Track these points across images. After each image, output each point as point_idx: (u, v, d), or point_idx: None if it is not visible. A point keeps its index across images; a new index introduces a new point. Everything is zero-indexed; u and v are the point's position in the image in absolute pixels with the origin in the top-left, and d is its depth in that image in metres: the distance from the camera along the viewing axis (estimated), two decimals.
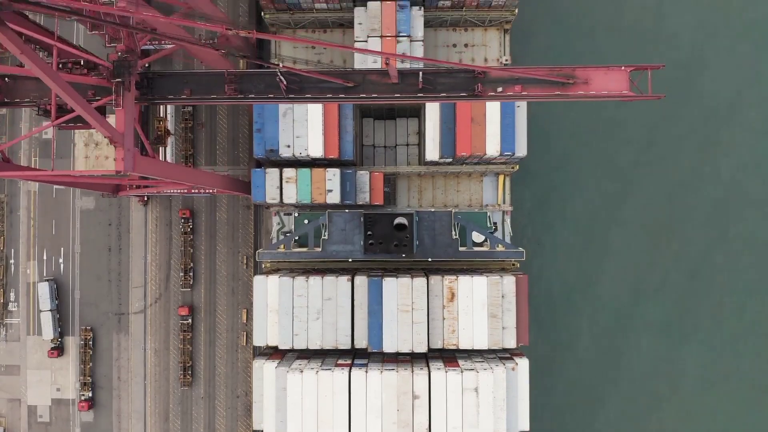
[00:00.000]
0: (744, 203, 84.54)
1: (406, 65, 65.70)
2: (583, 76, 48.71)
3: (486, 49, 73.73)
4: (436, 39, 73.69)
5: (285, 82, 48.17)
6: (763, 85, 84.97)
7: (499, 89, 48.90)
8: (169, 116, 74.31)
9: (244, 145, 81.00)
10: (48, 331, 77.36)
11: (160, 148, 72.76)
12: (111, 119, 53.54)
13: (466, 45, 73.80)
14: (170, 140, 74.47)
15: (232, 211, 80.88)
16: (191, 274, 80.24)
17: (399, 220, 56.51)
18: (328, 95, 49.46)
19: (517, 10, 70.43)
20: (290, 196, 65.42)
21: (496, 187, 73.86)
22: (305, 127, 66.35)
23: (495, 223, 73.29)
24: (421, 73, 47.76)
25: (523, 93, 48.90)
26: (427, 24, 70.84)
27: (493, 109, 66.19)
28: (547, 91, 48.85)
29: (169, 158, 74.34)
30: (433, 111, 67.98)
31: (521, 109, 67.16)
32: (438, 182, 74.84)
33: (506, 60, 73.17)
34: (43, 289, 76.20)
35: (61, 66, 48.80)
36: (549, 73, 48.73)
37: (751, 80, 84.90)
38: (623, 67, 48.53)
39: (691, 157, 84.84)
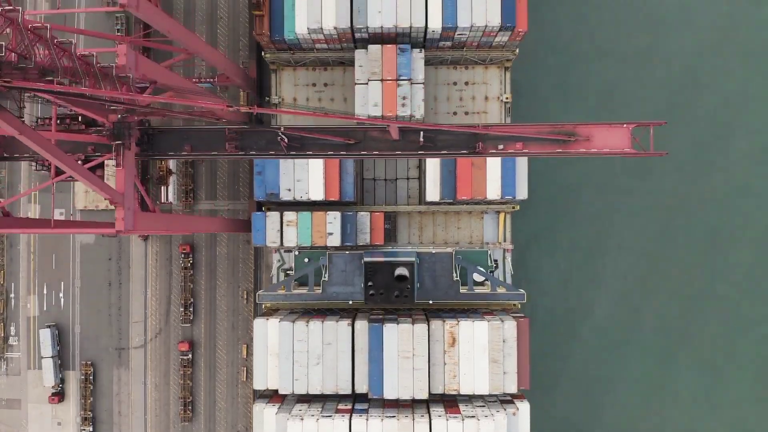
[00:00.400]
0: (742, 229, 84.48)
1: (407, 108, 66.09)
2: (585, 133, 48.58)
3: (486, 86, 73.67)
4: (437, 77, 73.65)
5: (286, 140, 48.11)
6: (758, 110, 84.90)
7: (500, 147, 48.81)
8: None
9: (245, 180, 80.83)
10: (49, 378, 77.18)
11: (162, 187, 72.69)
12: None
13: (466, 83, 73.74)
14: (172, 179, 74.33)
15: (233, 246, 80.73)
16: (191, 309, 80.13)
17: (399, 271, 56.47)
18: (329, 152, 49.46)
19: (518, 50, 70.36)
20: (290, 240, 65.40)
21: (496, 224, 73.72)
22: (306, 170, 66.31)
23: (496, 261, 73.15)
24: (422, 132, 47.62)
25: (524, 150, 48.80)
26: (428, 62, 70.66)
27: None
28: (548, 148, 48.75)
29: (171, 197, 74.28)
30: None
31: None
32: (438, 219, 74.74)
33: (506, 98, 73.14)
34: (45, 336, 76.07)
35: (59, 122, 48.78)
36: (551, 130, 48.65)
37: (748, 105, 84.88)
38: (625, 125, 48.39)
39: (687, 183, 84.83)
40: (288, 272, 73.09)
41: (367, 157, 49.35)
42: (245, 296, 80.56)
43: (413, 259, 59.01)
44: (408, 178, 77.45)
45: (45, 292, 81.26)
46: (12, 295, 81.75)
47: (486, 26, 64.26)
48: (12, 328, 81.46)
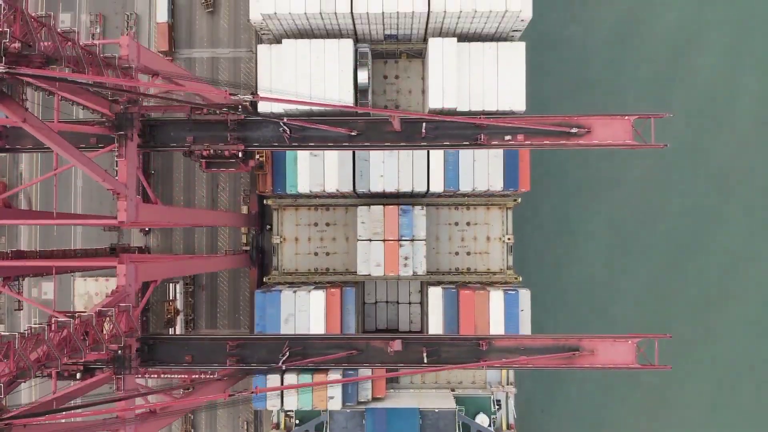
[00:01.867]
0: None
1: (409, 268, 65.74)
2: (590, 346, 48.09)
3: (488, 227, 73.17)
4: (438, 217, 73.15)
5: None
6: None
7: (503, 359, 48.31)
8: (178, 295, 74.20)
9: (245, 309, 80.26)
10: None
11: (170, 328, 72.63)
12: None
13: (468, 223, 73.25)
14: (179, 318, 74.19)
15: None
16: None
17: None
18: (330, 363, 49.11)
19: (520, 199, 70.01)
20: (291, 403, 64.87)
21: None
22: (308, 323, 65.80)
23: (498, 401, 72.69)
24: (425, 349, 47.18)
25: (528, 365, 48.33)
26: (429, 204, 70.43)
27: (496, 299, 66.11)
28: (552, 362, 48.27)
29: (179, 331, 74.32)
30: (435, 297, 67.98)
31: (525, 295, 66.98)
32: None
33: (508, 238, 72.61)
34: None
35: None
36: (555, 344, 48.19)
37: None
38: (630, 341, 47.95)
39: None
40: (288, 413, 72.63)
41: (369, 367, 48.89)
42: (245, 427, 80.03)
43: None
44: (410, 303, 77.57)
45: None
46: None
47: (488, 189, 63.91)
48: None
